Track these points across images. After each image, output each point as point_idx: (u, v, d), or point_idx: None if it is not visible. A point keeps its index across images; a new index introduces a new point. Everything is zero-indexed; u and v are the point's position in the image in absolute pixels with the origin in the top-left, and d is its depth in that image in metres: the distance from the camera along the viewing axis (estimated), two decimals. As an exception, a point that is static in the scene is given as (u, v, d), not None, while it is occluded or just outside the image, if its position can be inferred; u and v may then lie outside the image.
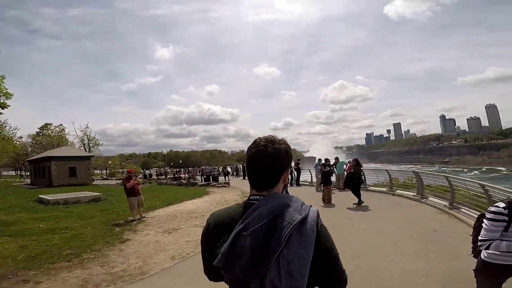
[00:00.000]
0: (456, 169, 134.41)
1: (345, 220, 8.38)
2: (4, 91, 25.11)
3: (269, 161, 1.14)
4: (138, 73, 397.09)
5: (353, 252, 5.54)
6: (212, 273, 1.20)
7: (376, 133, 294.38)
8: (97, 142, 65.45)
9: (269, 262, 0.98)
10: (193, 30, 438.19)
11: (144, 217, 10.24)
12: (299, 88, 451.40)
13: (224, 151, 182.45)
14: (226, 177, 28.32)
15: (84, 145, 64.55)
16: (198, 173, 32.92)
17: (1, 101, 25.17)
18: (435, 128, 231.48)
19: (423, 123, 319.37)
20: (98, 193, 16.41)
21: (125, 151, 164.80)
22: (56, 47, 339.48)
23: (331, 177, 14.59)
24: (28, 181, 37.60)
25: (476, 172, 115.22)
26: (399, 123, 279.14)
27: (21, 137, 59.54)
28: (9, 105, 26.29)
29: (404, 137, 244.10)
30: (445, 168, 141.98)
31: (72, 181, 29.03)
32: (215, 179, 24.97)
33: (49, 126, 63.16)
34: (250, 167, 1.19)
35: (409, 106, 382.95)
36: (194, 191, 19.65)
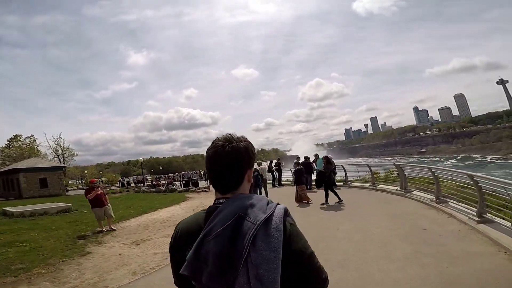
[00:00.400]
0: (433, 158, 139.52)
1: (326, 222, 7.86)
2: None
3: (228, 160, 1.07)
4: (112, 80, 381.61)
5: (337, 260, 4.95)
6: (182, 284, 1.09)
7: (355, 128, 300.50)
8: (72, 152, 62.76)
9: (237, 268, 0.89)
10: (167, 35, 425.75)
11: (113, 228, 9.51)
12: (278, 87, 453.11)
13: None
14: (207, 181, 27.37)
15: (58, 155, 61.62)
16: (179, 179, 31.80)
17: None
18: (410, 119, 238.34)
19: (398, 115, 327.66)
20: (68, 204, 15.34)
21: (103, 160, 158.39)
22: (21, 56, 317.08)
23: (309, 175, 14.16)
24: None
25: (452, 160, 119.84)
26: (375, 117, 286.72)
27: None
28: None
29: (381, 130, 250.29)
30: (423, 159, 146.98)
31: (43, 193, 27.93)
32: (195, 184, 23.96)
33: (18, 138, 59.53)
34: (209, 169, 1.11)
35: (383, 100, 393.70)
36: (172, 197, 18.92)
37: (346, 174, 14.79)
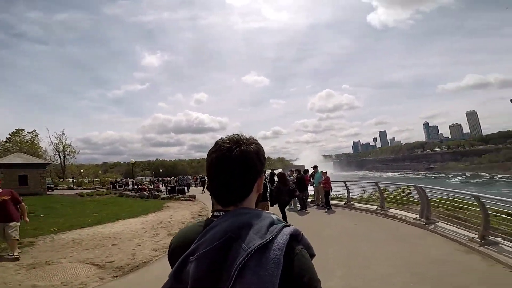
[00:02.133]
0: (441, 175, 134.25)
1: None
2: None
3: (236, 167, 0.83)
4: (125, 80, 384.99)
5: None
6: None
7: (363, 141, 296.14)
8: (73, 150, 61.03)
9: None
10: (181, 38, 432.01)
11: (12, 255, 6.39)
12: (287, 96, 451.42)
13: None
14: (204, 188, 24.62)
15: (58, 152, 60.01)
16: (174, 183, 29.17)
17: None
18: (419, 135, 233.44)
19: (408, 130, 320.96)
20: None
21: (110, 160, 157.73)
22: (41, 52, 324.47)
23: (303, 192, 11.39)
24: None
25: (460, 178, 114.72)
26: (385, 131, 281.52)
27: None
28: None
29: (389, 145, 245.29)
30: (430, 174, 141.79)
31: (21, 191, 25.11)
32: (181, 191, 21.22)
33: (20, 132, 58.01)
34: (211, 177, 0.87)
35: (394, 114, 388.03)
36: (148, 205, 16.55)
37: (348, 191, 11.82)
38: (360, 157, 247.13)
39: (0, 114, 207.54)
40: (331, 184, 11.60)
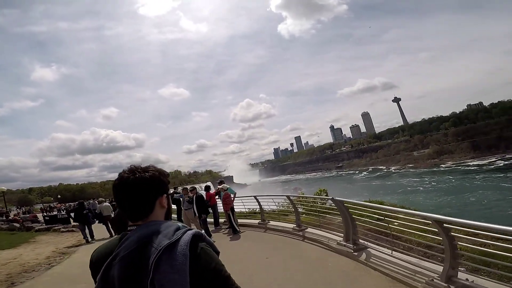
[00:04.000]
0: (349, 171, 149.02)
1: None
2: None
3: (132, 191, 1.07)
4: (9, 96, 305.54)
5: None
6: None
7: (282, 147, 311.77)
8: None
9: None
10: (83, 49, 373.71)
11: None
12: (210, 108, 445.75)
13: None
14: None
15: None
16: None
17: None
18: (328, 137, 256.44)
19: (317, 134, 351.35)
20: None
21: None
22: None
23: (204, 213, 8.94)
24: None
25: (365, 173, 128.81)
26: (299, 136, 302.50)
27: None
28: None
29: (304, 148, 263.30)
30: (341, 172, 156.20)
31: None
32: (64, 220, 16.34)
33: None
34: (116, 200, 1.11)
35: (305, 120, 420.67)
36: (12, 239, 13.37)
37: (261, 208, 9.61)
38: (281, 162, 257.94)
39: None
40: (233, 202, 9.32)
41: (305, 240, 6.68)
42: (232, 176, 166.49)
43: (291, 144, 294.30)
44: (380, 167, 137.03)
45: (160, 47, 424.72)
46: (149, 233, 0.98)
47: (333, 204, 6.17)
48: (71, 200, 78.08)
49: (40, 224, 17.95)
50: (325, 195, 10.61)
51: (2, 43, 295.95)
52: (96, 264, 1.05)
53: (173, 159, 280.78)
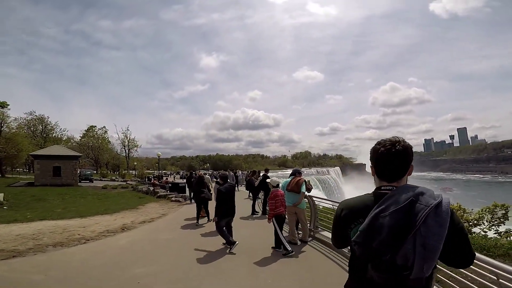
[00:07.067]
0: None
1: None
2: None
3: (401, 157, 1.26)
4: (188, 81, 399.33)
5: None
6: (340, 246, 1.45)
7: (436, 138, 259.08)
8: (136, 144, 64.74)
9: (406, 237, 1.09)
10: (232, 37, 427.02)
11: None
12: (345, 91, 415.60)
13: (266, 155, 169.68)
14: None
15: (124, 146, 64.37)
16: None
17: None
18: (510, 133, 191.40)
19: (494, 128, 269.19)
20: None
21: (178, 154, 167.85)
22: (116, 58, 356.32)
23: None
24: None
25: None
26: (465, 128, 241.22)
27: (71, 138, 61.93)
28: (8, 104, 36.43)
29: (470, 144, 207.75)
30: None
31: (55, 181, 26.38)
32: (181, 189, 17.88)
33: (93, 129, 63.84)
34: (383, 163, 1.29)
35: (475, 109, 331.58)
36: (134, 203, 14.96)
37: (315, 214, 6.89)
38: (433, 156, 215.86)
39: (85, 113, 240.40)
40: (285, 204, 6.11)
41: None
42: (364, 164, 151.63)
43: (451, 137, 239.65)
44: None
45: (293, 32, 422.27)
46: (416, 193, 1.15)
47: None
48: (222, 168, 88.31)
49: (165, 191, 18.73)
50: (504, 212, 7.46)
51: (178, 35, 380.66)
52: (348, 214, 1.31)
53: (305, 139, 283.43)
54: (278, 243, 5.60)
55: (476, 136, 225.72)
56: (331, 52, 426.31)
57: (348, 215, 1.30)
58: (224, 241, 5.98)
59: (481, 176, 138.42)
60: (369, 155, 1.35)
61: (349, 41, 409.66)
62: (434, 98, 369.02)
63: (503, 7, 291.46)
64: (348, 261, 1.41)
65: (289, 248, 5.40)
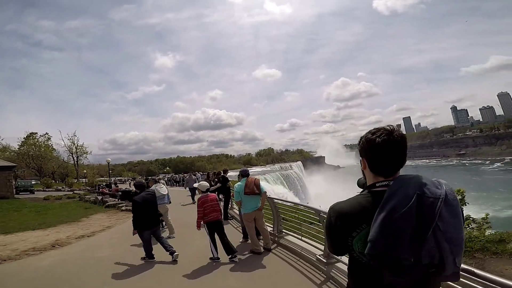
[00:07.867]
0: (475, 161, 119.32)
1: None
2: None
3: (401, 148, 1.12)
4: (142, 82, 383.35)
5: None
6: (341, 254, 1.21)
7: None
8: (85, 150, 58.89)
9: (425, 236, 0.96)
10: (189, 37, 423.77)
11: None
12: (301, 88, 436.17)
13: (230, 154, 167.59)
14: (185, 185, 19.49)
15: (71, 153, 58.15)
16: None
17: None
18: (447, 120, 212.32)
19: (433, 115, 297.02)
20: None
21: (136, 159, 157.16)
22: (58, 58, 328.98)
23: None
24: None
25: (499, 164, 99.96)
26: (409, 117, 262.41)
27: (7, 148, 54.41)
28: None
29: (415, 131, 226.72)
30: (464, 161, 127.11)
31: None
32: (126, 194, 15.86)
33: (34, 136, 56.66)
34: (380, 156, 1.12)
35: (416, 99, 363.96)
36: (76, 214, 13.44)
37: (276, 217, 5.94)
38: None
39: (22, 120, 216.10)
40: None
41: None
42: (323, 157, 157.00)
43: (398, 126, 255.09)
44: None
45: (251, 30, 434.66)
46: (418, 186, 1.01)
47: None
48: (183, 171, 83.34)
49: (115, 199, 16.91)
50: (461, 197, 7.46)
51: (130, 35, 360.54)
52: (345, 220, 1.10)
53: (267, 136, 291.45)
54: (230, 249, 5.03)
55: (419, 124, 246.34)
56: (286, 50, 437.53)
57: (346, 224, 1.10)
58: (146, 256, 5.62)
59: (428, 161, 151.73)
60: (358, 146, 1.17)
61: (303, 39, 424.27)
62: (381, 91, 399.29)
63: (435, 4, 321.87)
64: (347, 267, 1.16)
65: (216, 256, 5.12)
